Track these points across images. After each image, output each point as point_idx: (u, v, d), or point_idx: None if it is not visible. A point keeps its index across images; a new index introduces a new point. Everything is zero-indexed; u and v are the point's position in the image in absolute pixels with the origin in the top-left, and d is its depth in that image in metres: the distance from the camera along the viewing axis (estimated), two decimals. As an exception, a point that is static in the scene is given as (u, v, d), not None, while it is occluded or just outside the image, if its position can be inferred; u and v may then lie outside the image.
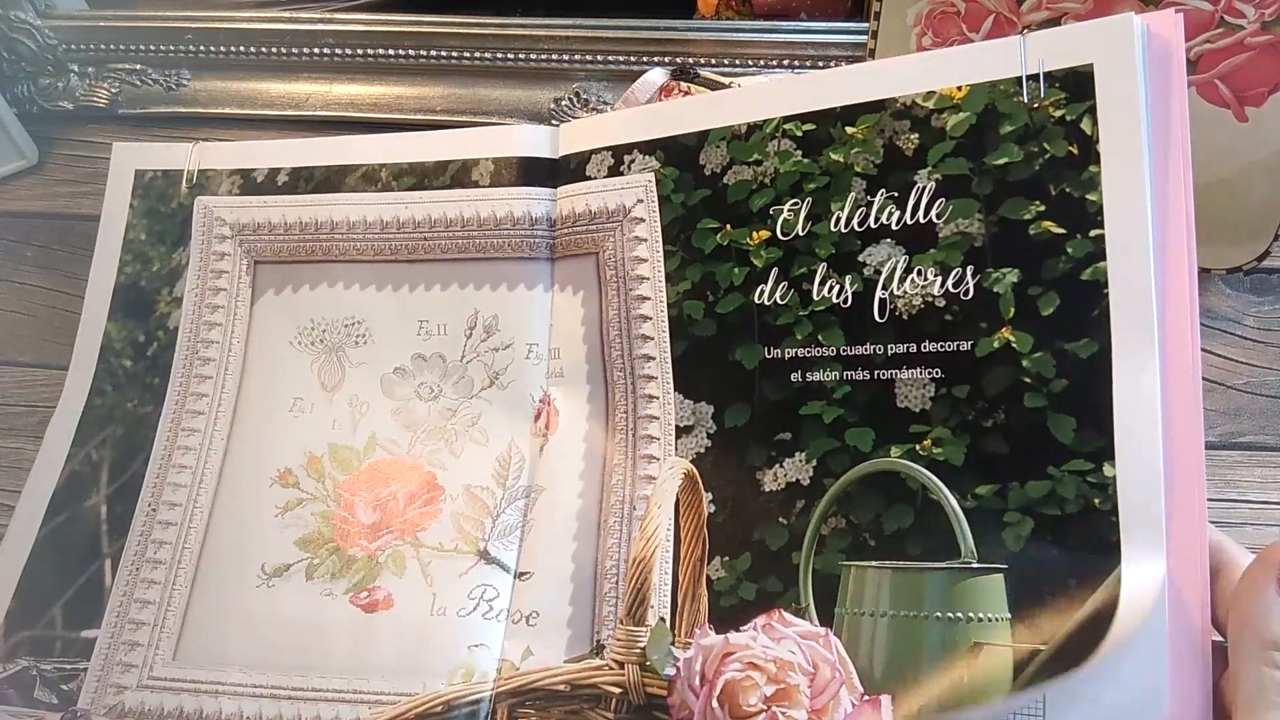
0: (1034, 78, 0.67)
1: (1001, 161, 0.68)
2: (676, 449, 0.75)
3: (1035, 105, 0.67)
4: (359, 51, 1.19)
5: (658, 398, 0.77)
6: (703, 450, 0.75)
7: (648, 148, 0.81)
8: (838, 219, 0.73)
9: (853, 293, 0.71)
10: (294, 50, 1.20)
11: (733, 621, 0.70)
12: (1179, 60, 0.61)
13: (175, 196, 0.99)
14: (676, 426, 0.76)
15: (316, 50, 1.19)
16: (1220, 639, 0.58)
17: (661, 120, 0.80)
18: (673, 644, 0.71)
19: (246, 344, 0.92)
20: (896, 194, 0.71)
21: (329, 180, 0.95)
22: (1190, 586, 0.58)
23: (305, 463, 0.86)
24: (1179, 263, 0.60)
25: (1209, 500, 0.82)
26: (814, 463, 0.71)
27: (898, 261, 0.71)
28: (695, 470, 0.75)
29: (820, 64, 1.11)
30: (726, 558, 0.72)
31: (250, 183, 0.97)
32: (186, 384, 0.92)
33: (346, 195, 0.93)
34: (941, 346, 0.69)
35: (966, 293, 0.68)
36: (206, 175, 0.98)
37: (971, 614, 0.64)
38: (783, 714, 0.65)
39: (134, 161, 1.02)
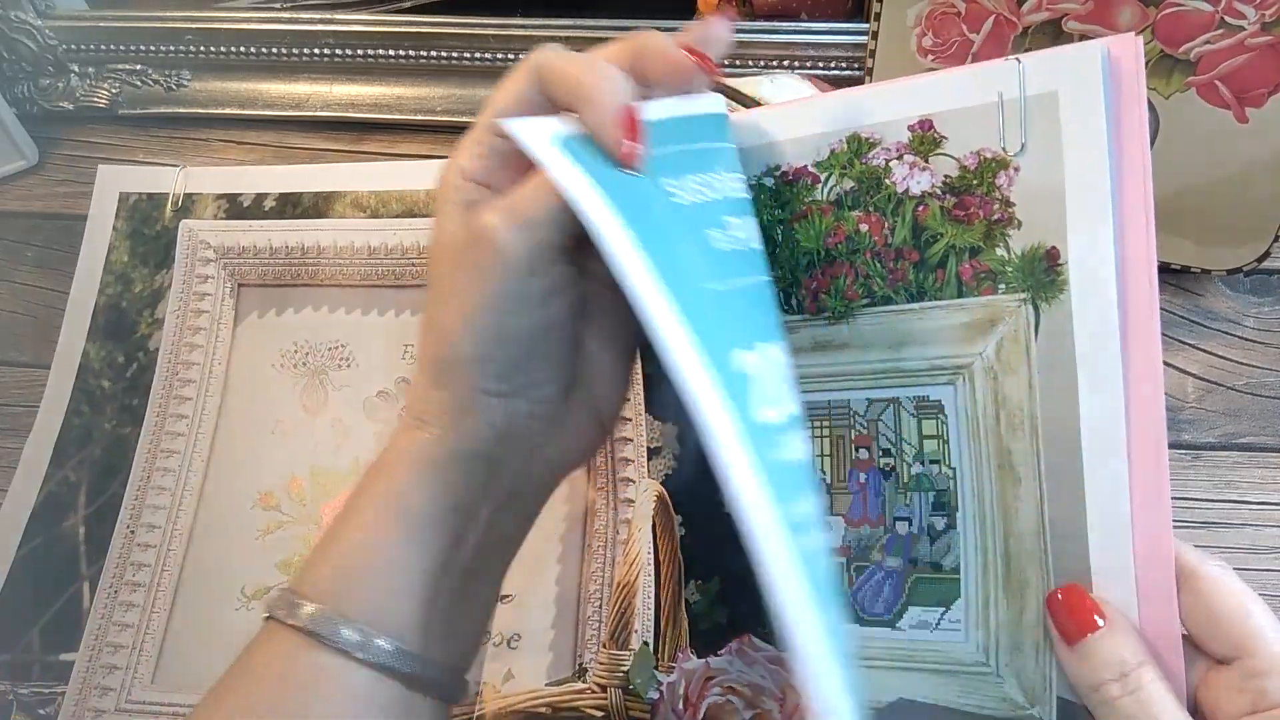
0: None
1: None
2: (649, 471, 0.75)
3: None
4: (359, 51, 1.18)
5: (631, 419, 0.77)
6: (670, 472, 0.75)
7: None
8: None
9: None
10: (294, 50, 1.20)
11: (712, 645, 0.71)
12: (1139, 85, 0.60)
13: (160, 219, 1.00)
14: (647, 448, 0.76)
15: (316, 50, 1.19)
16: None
17: None
18: (656, 668, 0.71)
19: (228, 366, 0.93)
20: None
21: (316, 206, 0.96)
22: (1159, 593, 0.58)
23: (287, 485, 0.86)
24: (1141, 290, 0.59)
25: (1209, 501, 0.83)
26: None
27: None
28: (665, 492, 0.74)
29: (820, 64, 1.10)
30: (700, 581, 0.72)
31: (237, 207, 0.98)
32: (166, 405, 0.93)
33: (334, 220, 0.93)
34: None
35: None
36: (192, 199, 0.99)
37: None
38: (760, 738, 0.66)
39: (119, 184, 1.03)
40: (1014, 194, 0.64)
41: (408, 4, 1.21)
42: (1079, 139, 0.61)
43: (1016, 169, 0.63)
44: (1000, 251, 0.64)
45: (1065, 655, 0.59)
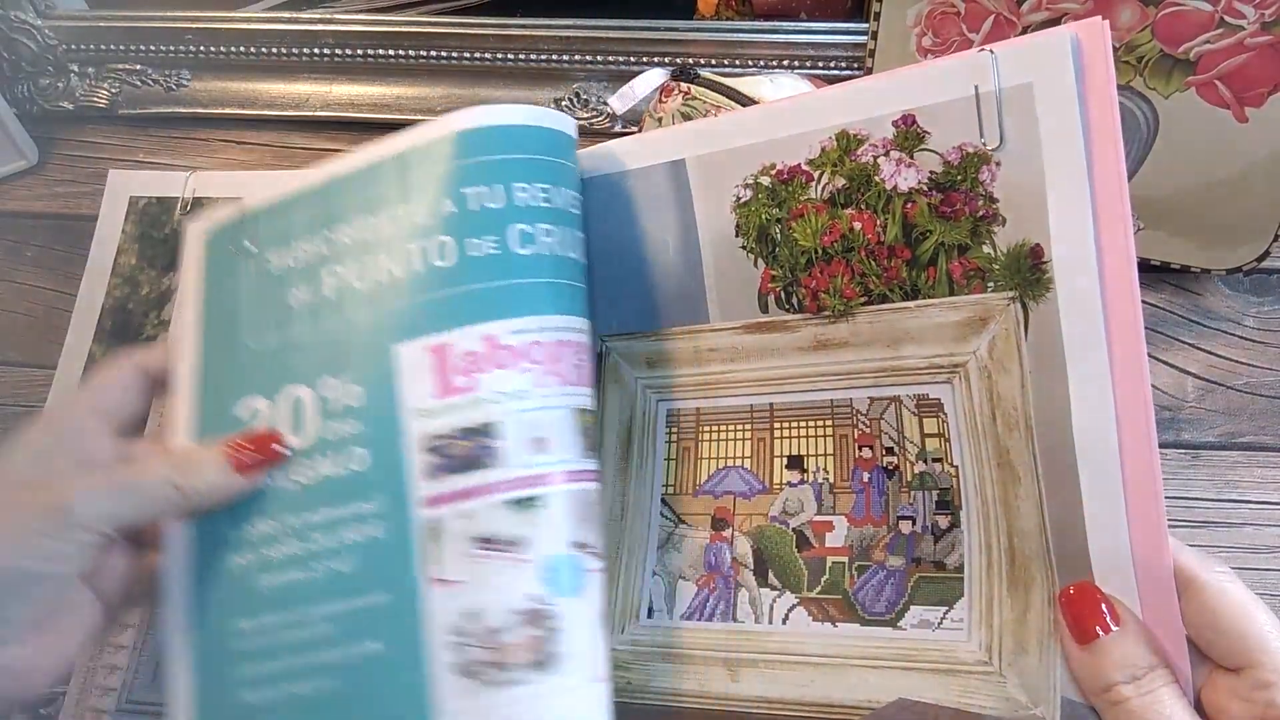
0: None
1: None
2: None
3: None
4: (359, 51, 1.18)
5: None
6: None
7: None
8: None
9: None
10: (294, 50, 1.20)
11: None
12: (1108, 70, 0.59)
13: (169, 223, 0.99)
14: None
15: (316, 50, 1.19)
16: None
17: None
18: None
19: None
20: None
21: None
22: (1160, 592, 0.58)
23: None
24: (1123, 284, 0.58)
25: (1209, 501, 0.83)
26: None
27: None
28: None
29: (820, 64, 1.10)
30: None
31: (245, 210, 0.98)
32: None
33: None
34: None
35: None
36: (201, 203, 0.99)
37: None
38: None
39: (129, 188, 1.03)
40: (997, 189, 0.64)
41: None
42: (1055, 132, 0.61)
43: (998, 164, 0.64)
44: (987, 249, 0.64)
45: (1075, 655, 0.59)
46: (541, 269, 0.69)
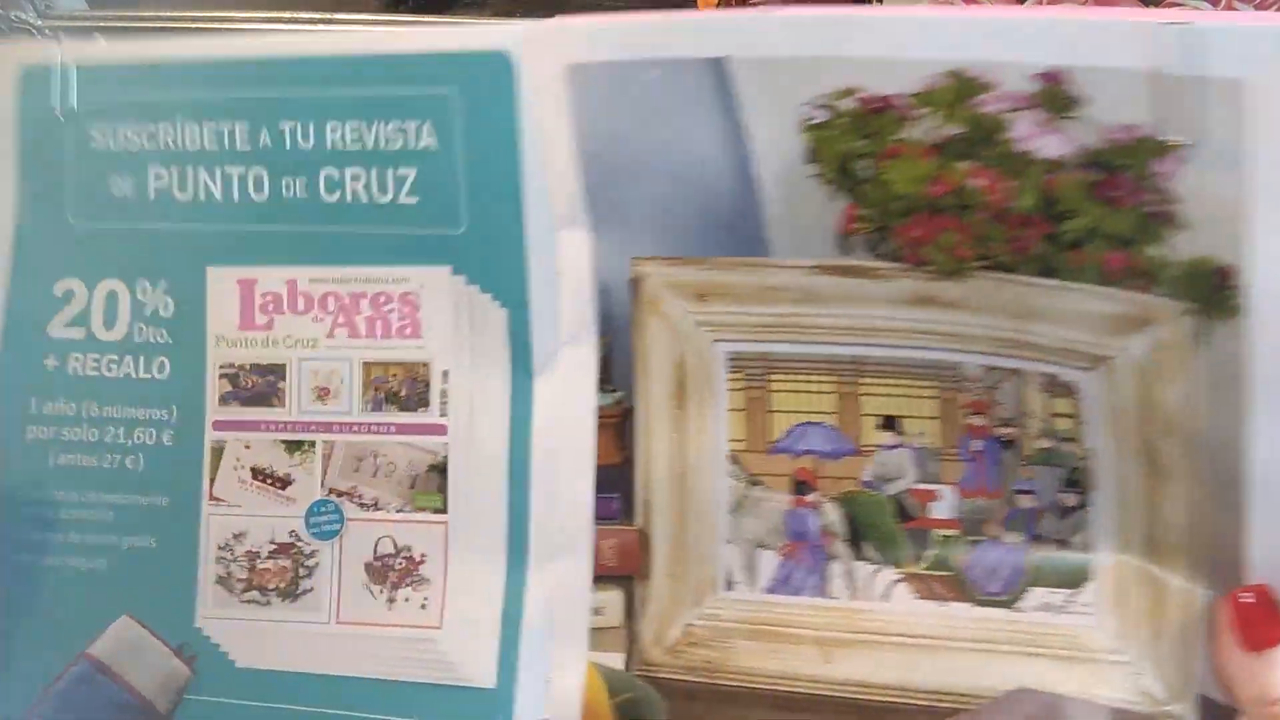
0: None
1: None
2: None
3: None
4: (360, 51, 1.16)
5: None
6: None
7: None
8: None
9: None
10: (295, 50, 1.18)
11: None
12: None
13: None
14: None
15: (318, 50, 1.17)
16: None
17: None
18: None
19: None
20: None
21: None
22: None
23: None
24: None
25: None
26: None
27: None
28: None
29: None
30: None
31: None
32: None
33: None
34: None
35: None
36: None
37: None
38: None
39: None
40: (1180, 187, 0.55)
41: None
42: (1272, 144, 0.53)
43: (1184, 160, 0.55)
44: (1156, 251, 0.56)
45: (1237, 660, 0.56)
46: (347, 216, 0.72)
